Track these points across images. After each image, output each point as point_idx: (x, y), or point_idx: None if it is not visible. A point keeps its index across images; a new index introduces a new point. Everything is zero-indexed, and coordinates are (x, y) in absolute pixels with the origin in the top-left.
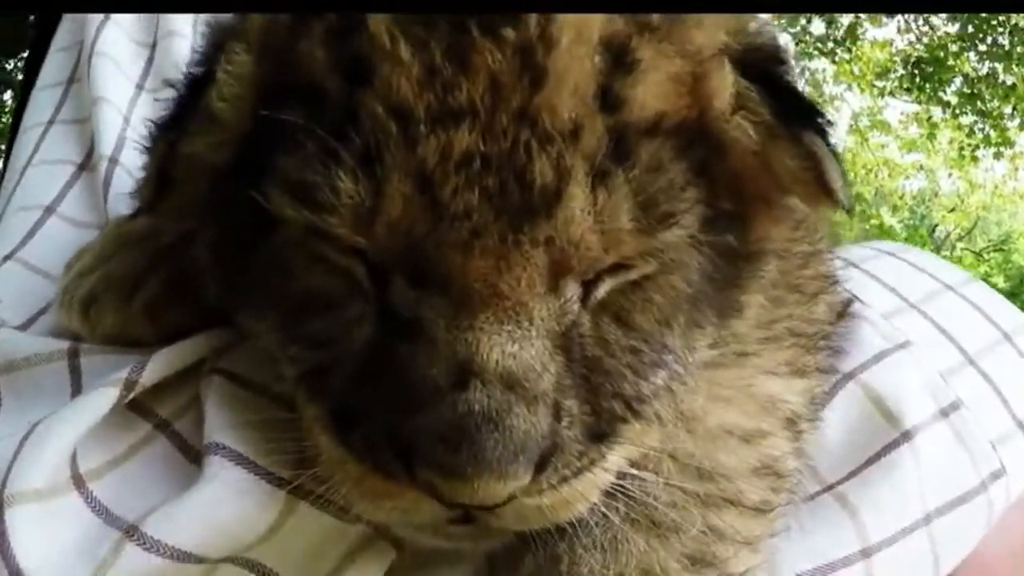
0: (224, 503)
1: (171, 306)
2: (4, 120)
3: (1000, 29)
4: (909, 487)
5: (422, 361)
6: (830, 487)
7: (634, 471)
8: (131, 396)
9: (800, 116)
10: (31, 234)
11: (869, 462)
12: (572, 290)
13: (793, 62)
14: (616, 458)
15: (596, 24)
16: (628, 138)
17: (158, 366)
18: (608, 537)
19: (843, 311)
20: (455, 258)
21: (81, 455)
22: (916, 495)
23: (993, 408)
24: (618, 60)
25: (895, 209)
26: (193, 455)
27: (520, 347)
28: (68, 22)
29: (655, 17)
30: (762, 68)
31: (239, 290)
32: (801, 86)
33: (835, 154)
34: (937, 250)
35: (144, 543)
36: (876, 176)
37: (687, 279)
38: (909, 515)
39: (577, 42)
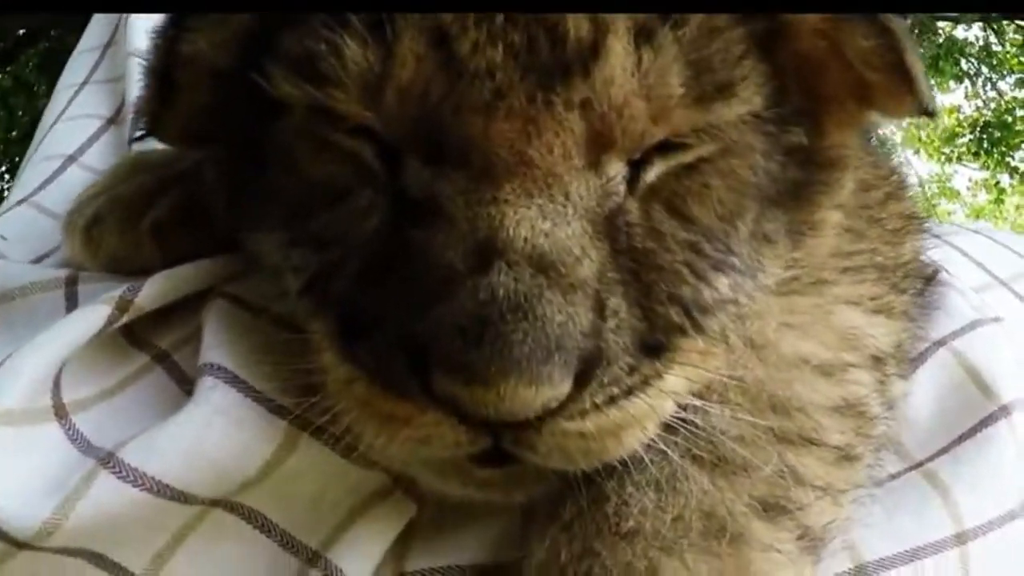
0: (214, 430)
1: (180, 230)
2: None
3: None
4: (1007, 469)
5: (438, 245)
6: (918, 464)
7: (697, 402)
8: (125, 319)
9: None
10: (49, 180)
11: (963, 437)
12: (616, 168)
13: None
14: (675, 380)
15: None
16: None
17: (156, 289)
18: (665, 474)
19: (932, 276)
20: (475, 122)
21: (67, 384)
22: (1014, 478)
23: None
24: None
25: None
26: (188, 384)
27: (554, 224)
28: None
29: None
30: None
31: (244, 204)
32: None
33: (936, 69)
34: None
35: (120, 471)
36: None
37: (752, 167)
38: (1007, 500)
39: None
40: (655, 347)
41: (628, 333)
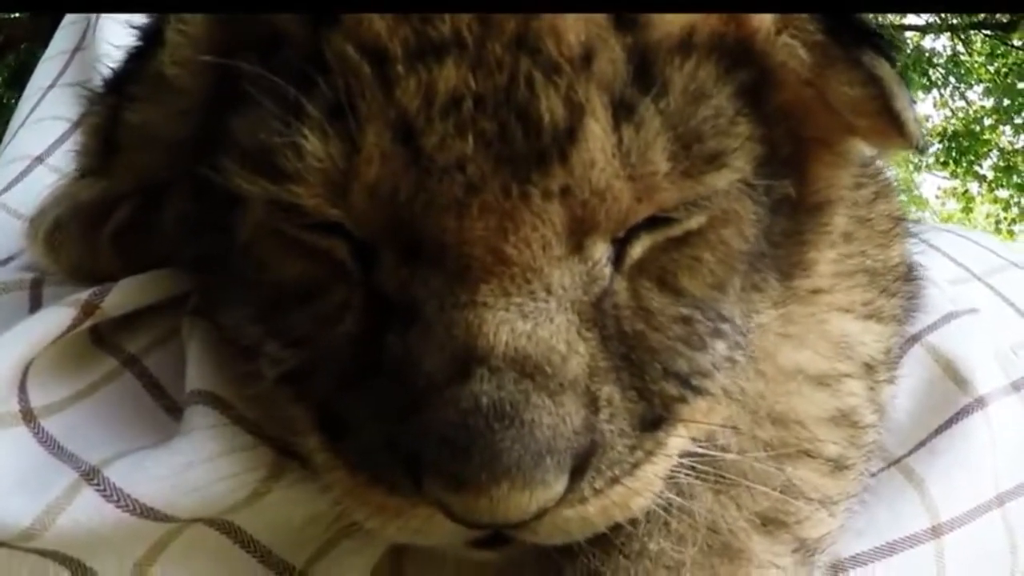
0: (203, 458)
1: (140, 238)
2: None
3: None
4: (982, 460)
5: (416, 353)
6: (896, 461)
7: (700, 449)
8: (90, 322)
9: (858, 36)
10: (16, 181)
11: (938, 430)
12: (600, 250)
13: None
14: (678, 441)
15: None
16: (654, 59)
17: (125, 294)
18: (673, 493)
19: (909, 269)
20: (448, 221)
21: (34, 387)
22: (989, 470)
23: None
24: None
25: None
26: (163, 396)
27: (536, 324)
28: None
29: None
30: None
31: (210, 277)
32: None
33: (903, 80)
34: None
35: (105, 489)
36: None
37: (742, 234)
38: (982, 492)
39: None
40: (656, 421)
41: (625, 417)
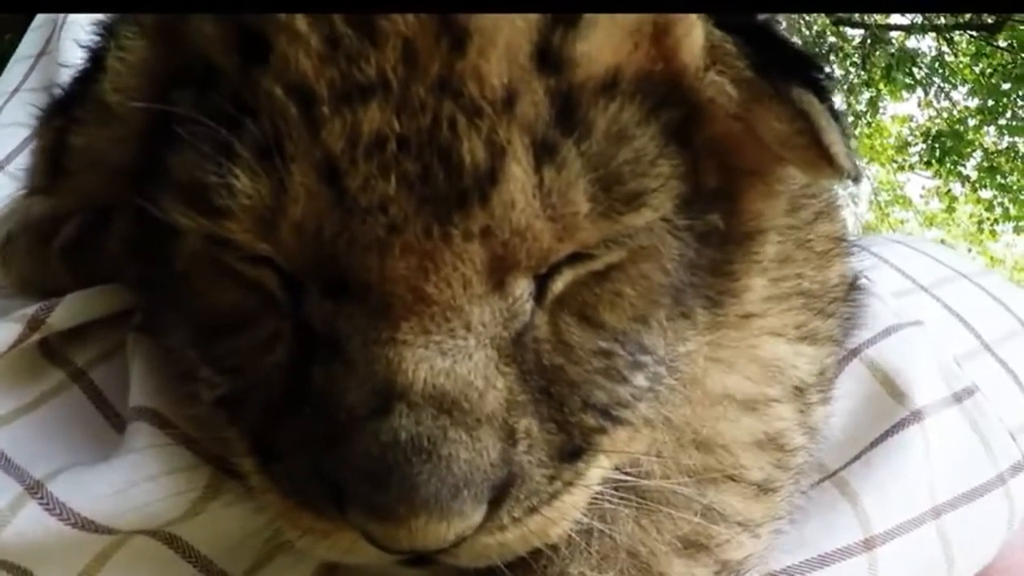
0: (144, 474)
1: (88, 253)
2: None
3: (1020, 103)
4: (917, 472)
5: (339, 386)
6: (831, 474)
7: (621, 476)
8: (37, 337)
9: (789, 70)
10: None
11: (874, 444)
12: (522, 287)
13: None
14: (598, 472)
15: None
16: (577, 102)
17: (71, 309)
18: (595, 518)
19: (852, 284)
20: (370, 260)
21: None
22: (925, 483)
23: (1012, 396)
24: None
25: None
26: (109, 410)
27: (454, 361)
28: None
29: None
30: (740, 16)
31: (152, 298)
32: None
33: (834, 112)
34: None
35: (48, 503)
36: None
37: (663, 268)
38: (917, 505)
39: None
40: (575, 452)
41: (544, 448)
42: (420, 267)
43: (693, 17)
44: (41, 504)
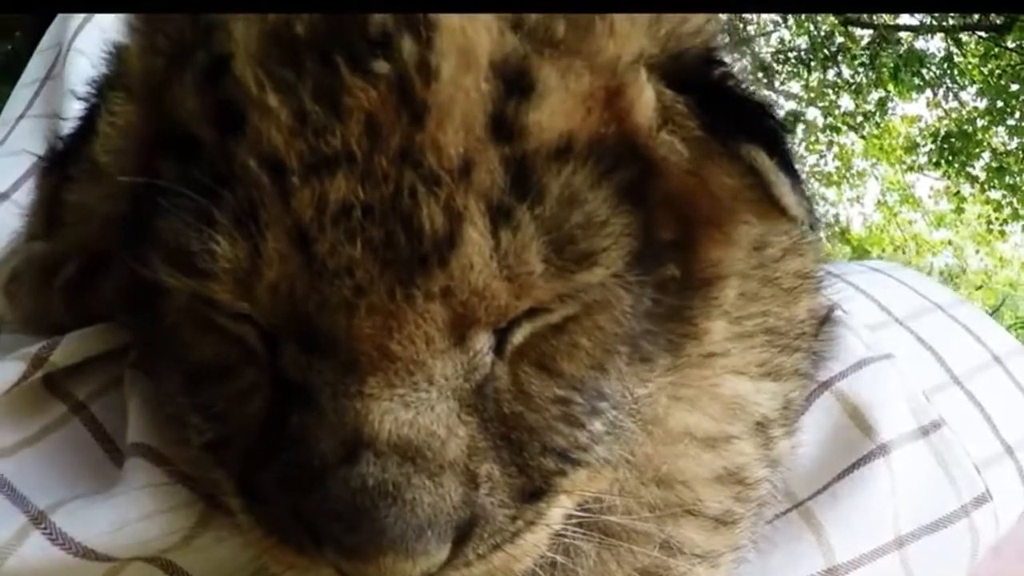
0: (140, 507)
1: (88, 292)
2: None
3: None
4: (882, 504)
5: (312, 435)
6: (798, 504)
7: (583, 512)
8: (40, 374)
9: (740, 126)
10: None
11: (841, 475)
12: (482, 341)
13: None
14: (560, 511)
15: (484, 48)
16: (531, 168)
17: (74, 347)
18: (559, 552)
19: (827, 316)
20: (339, 320)
21: None
22: (889, 514)
23: (979, 430)
24: (512, 85)
25: None
26: (107, 443)
27: (417, 412)
28: (54, 25)
29: (560, 30)
30: (692, 75)
31: (145, 346)
32: (773, 103)
33: (786, 162)
34: None
35: (51, 534)
36: (904, 253)
37: (617, 320)
38: (880, 535)
39: (462, 70)
40: (536, 493)
41: (505, 490)
42: (385, 326)
43: (644, 79)
44: (45, 534)
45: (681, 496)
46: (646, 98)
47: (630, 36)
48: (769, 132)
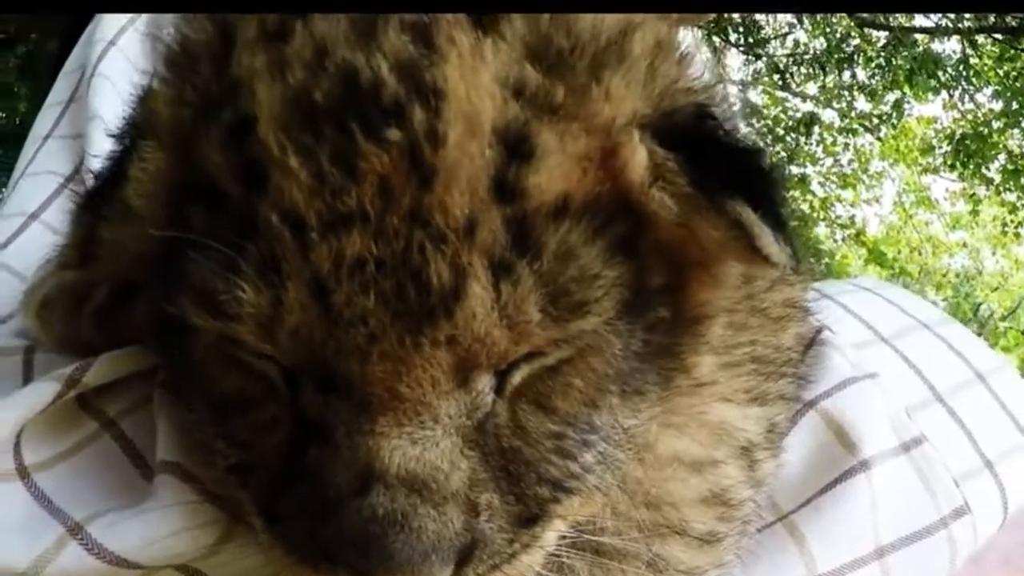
0: (169, 521)
1: (117, 318)
2: None
3: None
4: (862, 517)
5: (328, 468)
6: (783, 516)
7: (576, 533)
8: (73, 393)
9: (728, 179)
10: (13, 238)
11: (824, 490)
12: (484, 382)
13: (731, 107)
14: (553, 534)
15: (488, 115)
16: (530, 227)
17: (105, 368)
18: (552, 569)
19: (813, 340)
20: (353, 364)
21: (28, 448)
22: (869, 526)
23: (959, 445)
24: (513, 150)
25: (939, 287)
26: (138, 459)
27: (423, 448)
28: (78, 48)
29: (559, 95)
30: (683, 132)
31: (175, 377)
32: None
33: (772, 211)
34: (980, 329)
35: (87, 544)
36: (920, 254)
37: (608, 361)
38: (861, 547)
39: (467, 136)
40: (532, 518)
41: (503, 517)
42: (395, 370)
43: (636, 139)
44: (81, 544)
45: (668, 517)
46: (639, 157)
47: (625, 99)
48: (756, 180)
